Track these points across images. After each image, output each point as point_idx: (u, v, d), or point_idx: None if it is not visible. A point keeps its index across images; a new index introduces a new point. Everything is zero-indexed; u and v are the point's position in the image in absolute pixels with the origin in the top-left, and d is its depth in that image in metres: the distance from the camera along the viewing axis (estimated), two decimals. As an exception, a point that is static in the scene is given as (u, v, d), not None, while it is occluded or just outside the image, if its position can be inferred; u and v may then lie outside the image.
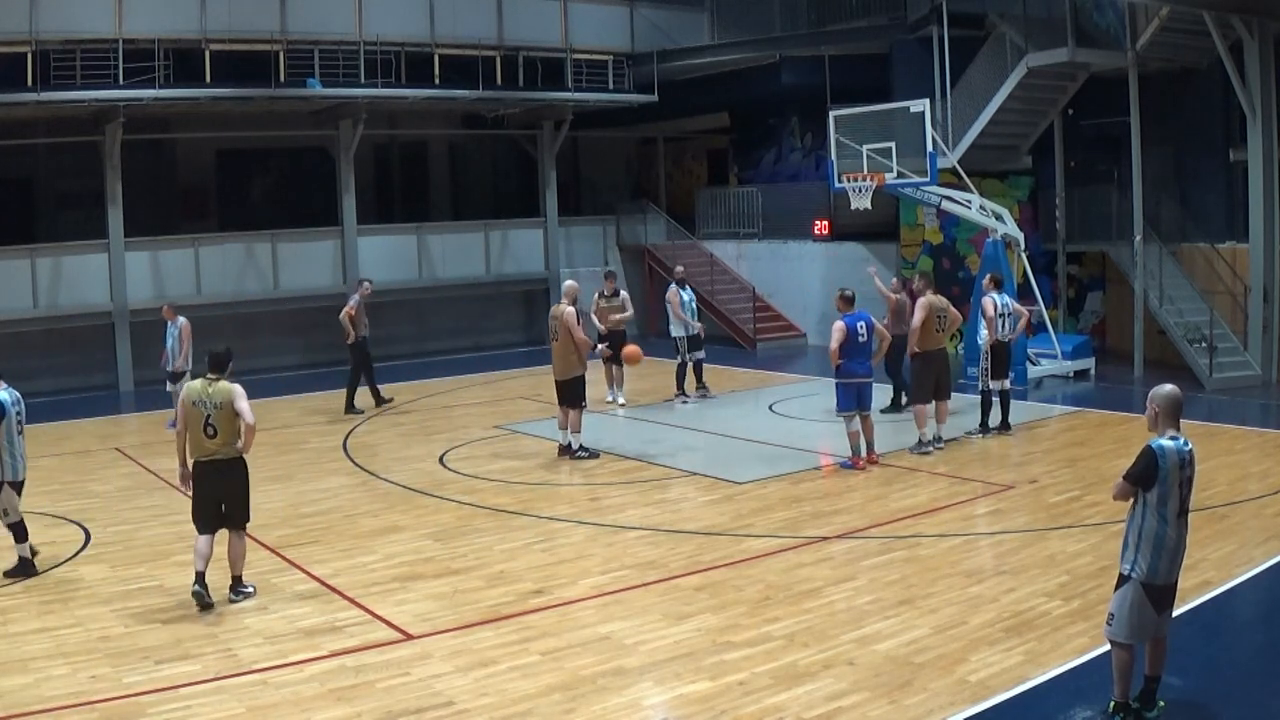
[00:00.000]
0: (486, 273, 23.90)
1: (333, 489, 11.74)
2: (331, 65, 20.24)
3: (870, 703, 6.21)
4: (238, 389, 8.11)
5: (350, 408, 16.30)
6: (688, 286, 17.05)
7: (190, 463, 8.18)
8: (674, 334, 16.65)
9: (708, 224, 25.73)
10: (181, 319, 15.27)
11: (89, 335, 19.66)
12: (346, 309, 16.12)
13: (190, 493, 8.33)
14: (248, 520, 8.38)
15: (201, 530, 8.14)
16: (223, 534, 8.28)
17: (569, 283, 13.37)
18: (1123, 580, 5.82)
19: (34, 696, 6.52)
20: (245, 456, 8.24)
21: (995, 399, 13.28)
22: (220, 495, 8.18)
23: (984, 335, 13.34)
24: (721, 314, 23.06)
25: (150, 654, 7.17)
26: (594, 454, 12.79)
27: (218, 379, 8.13)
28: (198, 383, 8.18)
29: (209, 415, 8.02)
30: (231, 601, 8.20)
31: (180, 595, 8.29)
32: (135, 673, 6.85)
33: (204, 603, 7.99)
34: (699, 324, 16.73)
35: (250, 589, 8.38)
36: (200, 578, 8.03)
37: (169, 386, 15.26)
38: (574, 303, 12.84)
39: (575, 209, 26.79)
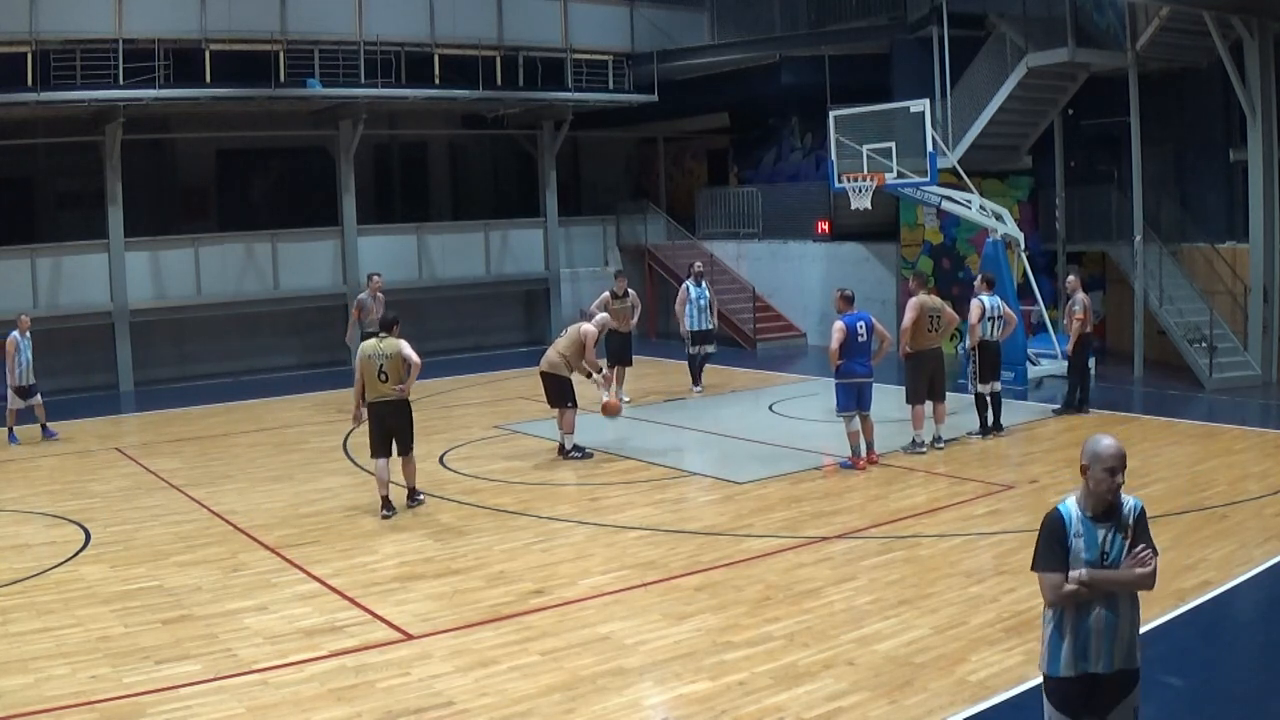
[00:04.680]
0: (486, 273, 23.89)
1: (333, 489, 11.73)
2: (331, 65, 20.22)
3: (870, 703, 6.21)
4: (404, 342, 10.32)
5: None
6: (702, 283, 17.48)
7: (367, 404, 10.43)
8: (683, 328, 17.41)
9: (708, 224, 25.70)
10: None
11: (89, 335, 19.63)
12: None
13: (359, 427, 11.05)
14: (413, 447, 10.62)
15: (374, 455, 10.44)
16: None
17: (603, 315, 14.04)
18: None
19: (34, 696, 6.52)
20: (409, 396, 10.49)
21: (987, 399, 13.27)
22: (391, 427, 10.39)
23: (968, 338, 13.30)
24: (721, 314, 23.03)
25: (150, 654, 7.16)
26: (587, 454, 12.79)
27: (387, 336, 10.36)
28: (372, 340, 10.49)
29: (382, 364, 10.25)
30: (409, 507, 10.59)
31: (180, 595, 8.31)
32: (135, 673, 6.85)
33: (387, 515, 10.31)
34: (710, 322, 17.28)
35: (422, 498, 10.78)
36: (386, 501, 10.41)
37: (21, 402, 14.47)
38: (600, 330, 13.37)
39: (575, 209, 26.76)
